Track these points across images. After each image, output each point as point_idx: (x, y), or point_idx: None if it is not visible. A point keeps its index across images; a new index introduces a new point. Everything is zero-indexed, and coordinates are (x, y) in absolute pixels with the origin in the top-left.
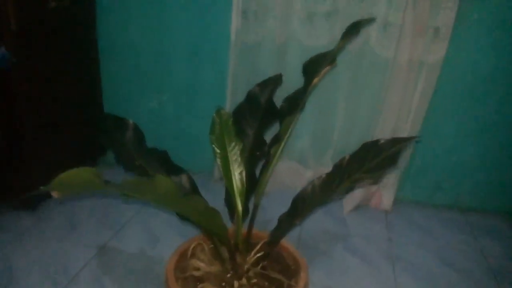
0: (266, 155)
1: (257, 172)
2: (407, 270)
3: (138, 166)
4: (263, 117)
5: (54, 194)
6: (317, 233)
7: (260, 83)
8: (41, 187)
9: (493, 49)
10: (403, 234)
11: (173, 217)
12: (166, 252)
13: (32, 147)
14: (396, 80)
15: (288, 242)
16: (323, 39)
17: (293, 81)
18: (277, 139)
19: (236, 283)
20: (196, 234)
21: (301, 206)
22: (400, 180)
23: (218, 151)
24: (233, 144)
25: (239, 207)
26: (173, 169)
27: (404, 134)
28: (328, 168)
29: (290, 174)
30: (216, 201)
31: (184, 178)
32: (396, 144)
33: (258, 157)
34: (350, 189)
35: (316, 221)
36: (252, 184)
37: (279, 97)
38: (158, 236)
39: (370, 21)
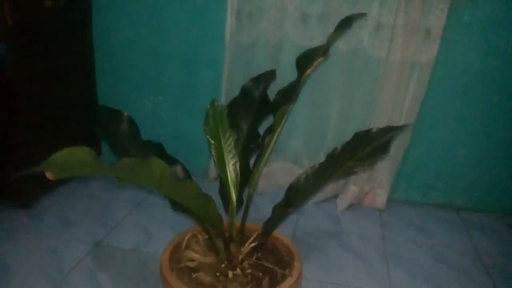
0: (260, 147)
1: (252, 165)
2: (401, 267)
3: (132, 157)
4: (257, 111)
5: (48, 175)
6: (311, 231)
7: (254, 77)
8: (35, 167)
9: (484, 50)
10: (397, 232)
11: (168, 215)
12: (161, 249)
13: (26, 146)
14: (389, 80)
15: (281, 233)
16: (316, 40)
17: (286, 81)
18: (270, 130)
19: (230, 273)
20: (190, 228)
21: (294, 196)
22: (393, 179)
23: (212, 141)
24: (227, 135)
25: (233, 197)
26: (168, 160)
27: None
28: None
29: (284, 173)
30: None
31: (178, 169)
32: (388, 133)
33: (252, 149)
34: (342, 177)
35: (311, 219)
36: (246, 176)
37: (273, 94)
38: (152, 233)
39: (361, 16)
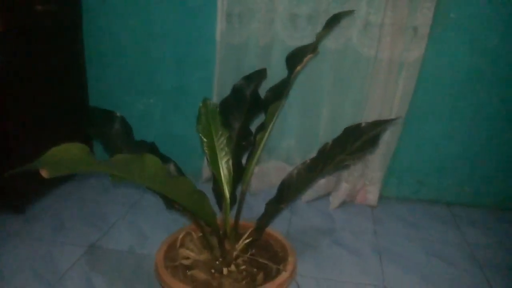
0: (252, 144)
1: (244, 163)
2: (394, 261)
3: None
4: (248, 109)
5: (43, 172)
6: (305, 228)
7: (245, 76)
8: (30, 164)
9: (471, 47)
10: (389, 228)
11: (162, 217)
12: (156, 250)
13: (18, 149)
14: (378, 78)
15: (275, 230)
16: (306, 40)
17: (277, 81)
18: (262, 127)
19: (225, 270)
20: (184, 226)
21: (287, 191)
22: (385, 176)
23: (205, 140)
24: (219, 133)
25: (227, 194)
26: (161, 159)
27: (385, 132)
28: None
29: (277, 173)
30: None
31: (172, 167)
32: (377, 127)
33: (245, 147)
34: (333, 171)
35: (304, 218)
36: (239, 173)
37: (264, 93)
38: (146, 235)
39: (349, 13)
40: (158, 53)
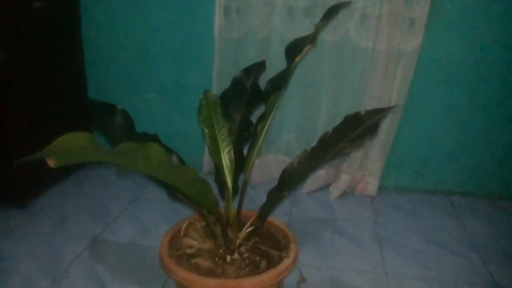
0: (253, 135)
1: (245, 154)
2: (394, 249)
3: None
4: (248, 100)
5: (50, 162)
6: (305, 219)
7: (245, 68)
8: (37, 153)
9: (466, 38)
10: (389, 217)
11: (163, 210)
12: (158, 242)
13: (17, 148)
14: (376, 69)
15: (277, 219)
16: (304, 33)
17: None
18: (263, 117)
19: (228, 258)
20: (187, 217)
21: (288, 179)
22: (384, 167)
23: (206, 130)
24: (221, 124)
25: (229, 183)
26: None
27: (385, 121)
28: None
29: (278, 166)
30: None
31: (174, 157)
32: (376, 115)
33: (246, 137)
34: (334, 158)
35: (304, 208)
36: (241, 163)
37: (263, 86)
38: (149, 228)
39: (346, 4)
40: (157, 48)
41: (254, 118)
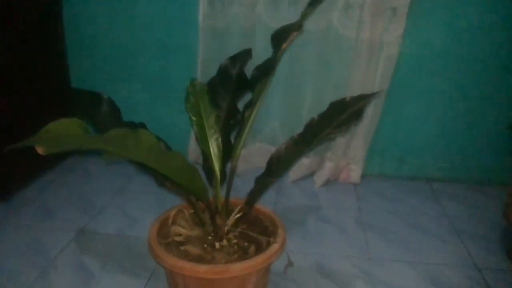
0: (240, 122)
1: (233, 141)
2: (378, 234)
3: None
4: (235, 89)
5: (39, 149)
6: (290, 207)
7: (231, 56)
8: (26, 140)
9: (447, 26)
10: (372, 204)
11: (148, 201)
12: (145, 233)
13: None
14: (360, 58)
15: (264, 206)
16: (288, 22)
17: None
18: (250, 104)
19: (217, 244)
20: (175, 205)
21: (275, 166)
22: (367, 155)
23: (194, 118)
24: (208, 112)
25: (217, 170)
26: None
27: (368, 109)
28: None
29: (263, 155)
30: None
31: (162, 145)
32: (361, 101)
33: (233, 125)
34: (320, 144)
35: (289, 197)
36: (228, 150)
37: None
38: (135, 218)
39: None
40: (140, 38)
41: (240, 107)
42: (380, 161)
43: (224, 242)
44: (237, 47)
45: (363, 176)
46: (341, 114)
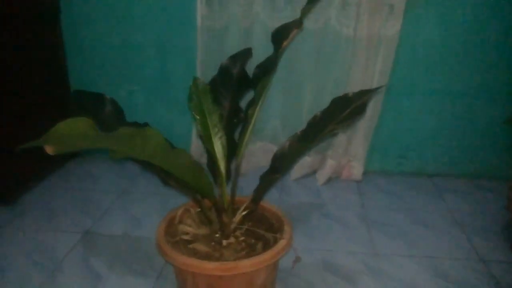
0: (243, 120)
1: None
2: (381, 230)
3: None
4: (236, 87)
5: (48, 149)
6: (294, 205)
7: (231, 56)
8: (36, 140)
9: (444, 23)
10: (375, 200)
11: (152, 202)
12: (150, 233)
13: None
14: (358, 55)
15: (270, 203)
16: (286, 21)
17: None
18: (252, 102)
19: (224, 242)
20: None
21: (280, 162)
22: (368, 152)
23: (197, 117)
24: (211, 110)
25: (222, 169)
26: None
27: (368, 107)
28: None
29: (265, 154)
30: None
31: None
32: (363, 96)
33: (236, 124)
34: (324, 140)
35: (293, 195)
36: (233, 148)
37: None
38: (140, 219)
39: None
40: (139, 39)
41: (241, 106)
42: (381, 157)
43: (232, 239)
44: (236, 47)
45: (364, 173)
46: (344, 110)
